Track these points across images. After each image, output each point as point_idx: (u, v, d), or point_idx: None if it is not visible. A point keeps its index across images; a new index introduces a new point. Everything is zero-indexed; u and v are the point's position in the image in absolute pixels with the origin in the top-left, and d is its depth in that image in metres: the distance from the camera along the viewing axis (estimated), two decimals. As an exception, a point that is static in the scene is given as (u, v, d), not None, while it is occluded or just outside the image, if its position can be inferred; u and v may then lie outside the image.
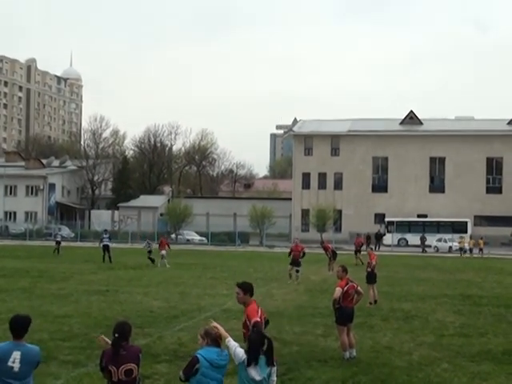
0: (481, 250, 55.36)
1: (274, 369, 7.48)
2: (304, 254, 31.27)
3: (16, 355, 7.02)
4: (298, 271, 30.46)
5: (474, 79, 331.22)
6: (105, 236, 40.72)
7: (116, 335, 7.26)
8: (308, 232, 75.40)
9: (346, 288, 13.64)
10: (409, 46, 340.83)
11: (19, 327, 7.21)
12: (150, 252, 40.01)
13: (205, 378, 7.07)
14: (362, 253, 42.78)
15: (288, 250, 33.40)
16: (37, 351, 7.29)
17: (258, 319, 8.99)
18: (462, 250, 56.80)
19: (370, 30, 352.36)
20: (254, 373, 7.22)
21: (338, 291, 13.62)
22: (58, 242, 47.93)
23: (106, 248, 39.86)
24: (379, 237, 66.67)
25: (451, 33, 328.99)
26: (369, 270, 23.32)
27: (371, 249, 26.45)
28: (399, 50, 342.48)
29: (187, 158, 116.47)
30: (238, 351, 7.37)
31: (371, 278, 22.91)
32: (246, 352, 7.31)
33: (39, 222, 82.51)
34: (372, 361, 13.59)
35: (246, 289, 9.30)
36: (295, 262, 30.44)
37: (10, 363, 6.98)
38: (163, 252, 38.27)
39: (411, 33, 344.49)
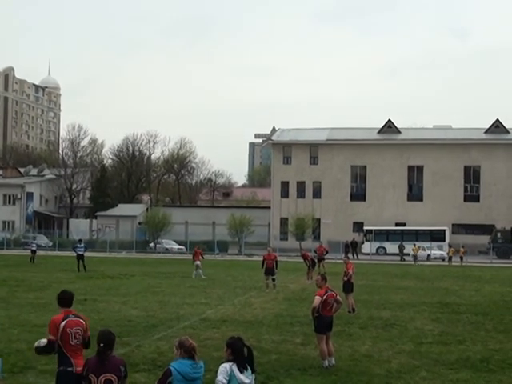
0: (461, 258, 55.90)
1: (253, 377, 7.53)
2: (276, 262, 30.97)
3: None
4: (274, 280, 30.48)
5: (451, 88, 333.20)
6: (79, 246, 40.56)
7: (101, 344, 7.24)
8: (287, 241, 75.37)
9: (324, 297, 13.63)
10: (386, 54, 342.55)
11: None
12: None
13: None
14: (325, 261, 42.93)
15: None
16: None
17: (54, 338, 8.63)
18: (415, 257, 57.65)
19: (346, 39, 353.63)
20: (243, 377, 7.31)
21: (316, 300, 13.62)
22: (34, 251, 47.70)
23: (80, 257, 39.72)
24: (354, 245, 67.08)
25: (429, 42, 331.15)
26: (345, 279, 23.31)
27: (348, 258, 26.40)
28: (376, 59, 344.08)
29: (166, 167, 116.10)
30: (222, 369, 7.34)
31: (348, 288, 22.94)
32: (233, 360, 7.33)
33: (17, 231, 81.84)
34: (351, 369, 13.60)
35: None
36: (269, 271, 30.43)
37: None
38: (198, 262, 37.47)
39: (388, 41, 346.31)
